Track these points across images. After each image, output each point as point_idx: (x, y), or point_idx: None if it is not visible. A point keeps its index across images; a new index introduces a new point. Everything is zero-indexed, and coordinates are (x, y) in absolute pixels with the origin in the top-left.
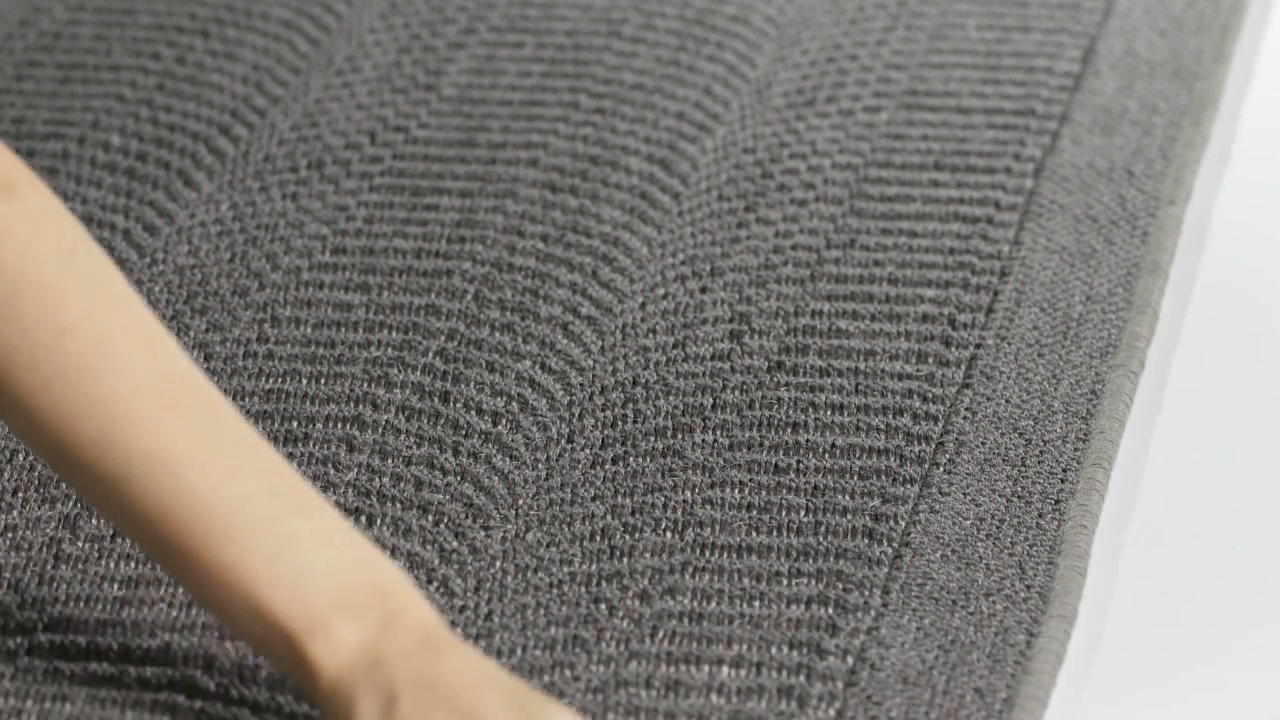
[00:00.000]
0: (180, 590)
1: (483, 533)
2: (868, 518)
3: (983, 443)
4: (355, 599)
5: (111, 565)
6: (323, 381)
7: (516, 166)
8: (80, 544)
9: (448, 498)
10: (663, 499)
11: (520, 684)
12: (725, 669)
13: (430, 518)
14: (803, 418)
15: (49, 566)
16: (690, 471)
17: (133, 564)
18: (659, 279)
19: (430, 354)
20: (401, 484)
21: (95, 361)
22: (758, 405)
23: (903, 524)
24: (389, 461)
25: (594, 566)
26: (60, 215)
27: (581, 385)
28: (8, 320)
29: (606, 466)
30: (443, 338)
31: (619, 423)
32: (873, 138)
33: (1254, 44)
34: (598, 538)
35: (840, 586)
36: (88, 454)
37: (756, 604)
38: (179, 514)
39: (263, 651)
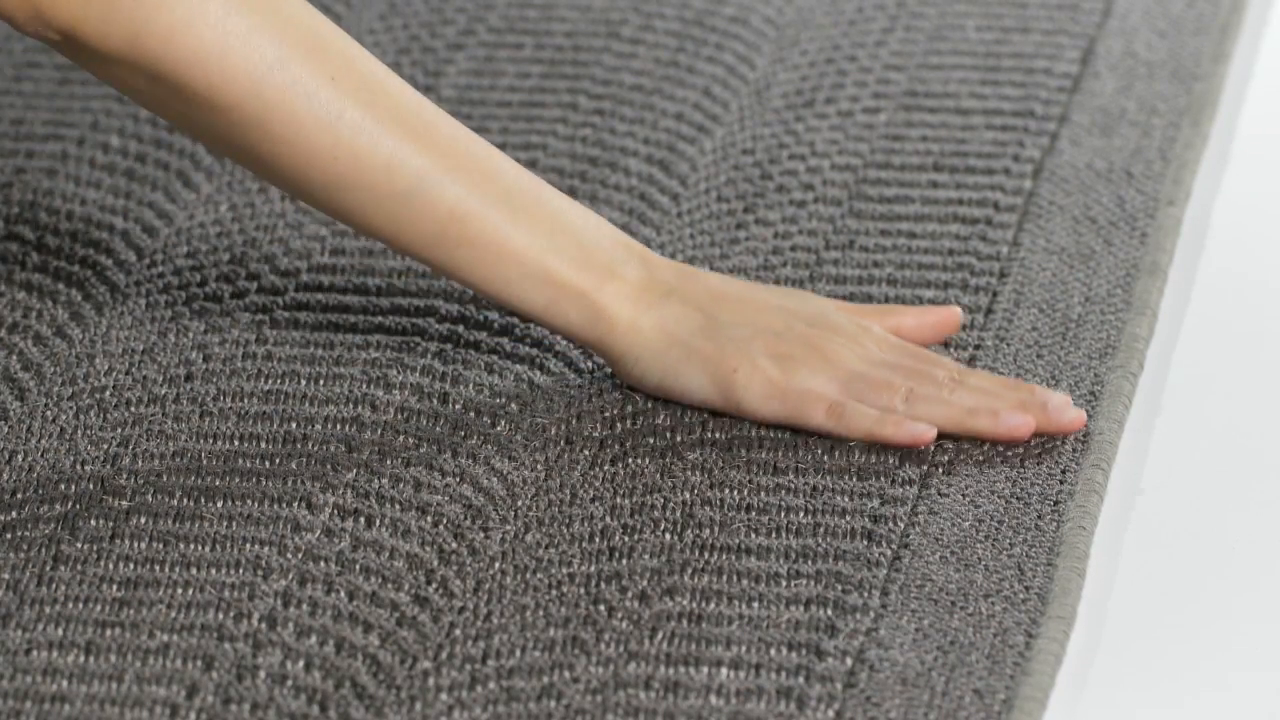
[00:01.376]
0: (180, 590)
1: (482, 534)
2: (866, 519)
3: (982, 443)
4: (619, 253)
5: (111, 566)
6: (322, 382)
7: None
8: (80, 544)
9: (446, 499)
10: (662, 500)
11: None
12: (724, 670)
13: (429, 519)
14: None
15: (48, 567)
16: (689, 472)
17: (132, 564)
18: None
19: (430, 354)
20: (400, 485)
21: (368, 116)
22: None
23: (901, 525)
24: (388, 462)
25: (593, 567)
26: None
27: (581, 386)
28: (305, 53)
29: (605, 467)
30: (441, 340)
31: (618, 423)
32: (872, 139)
33: (1253, 45)
34: (597, 539)
35: (839, 588)
36: (380, 177)
37: (755, 605)
38: (468, 212)
39: (556, 318)
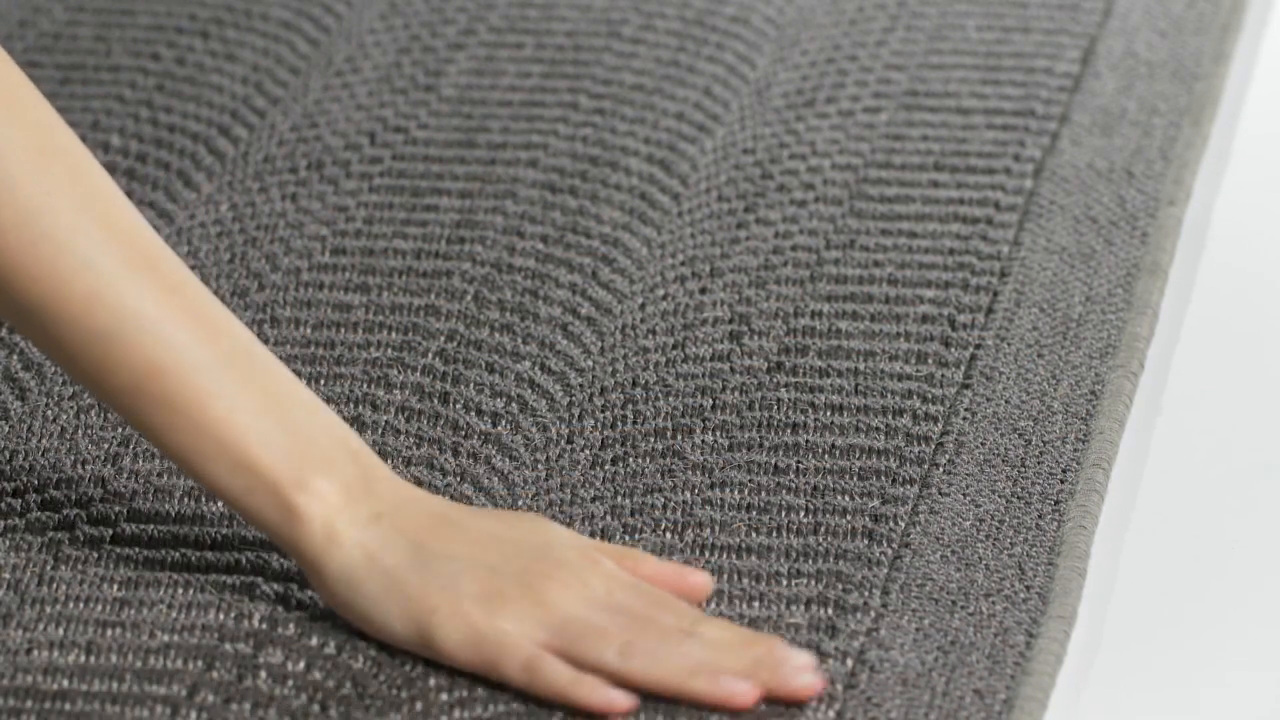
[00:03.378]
0: (180, 591)
1: None
2: (867, 518)
3: (982, 443)
4: (336, 455)
5: (111, 566)
6: (322, 382)
7: (516, 167)
8: (80, 545)
9: (447, 498)
10: (662, 500)
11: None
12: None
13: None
14: (802, 418)
15: (49, 567)
16: (690, 472)
17: (132, 565)
18: (658, 280)
19: (430, 355)
20: None
21: (81, 225)
22: (757, 406)
23: (902, 525)
24: (389, 462)
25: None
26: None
27: (581, 386)
28: None
29: (606, 467)
30: (442, 338)
31: (618, 423)
32: (872, 138)
33: (1253, 44)
34: (597, 538)
35: (840, 587)
36: (77, 310)
37: (756, 605)
38: (168, 370)
39: (251, 510)
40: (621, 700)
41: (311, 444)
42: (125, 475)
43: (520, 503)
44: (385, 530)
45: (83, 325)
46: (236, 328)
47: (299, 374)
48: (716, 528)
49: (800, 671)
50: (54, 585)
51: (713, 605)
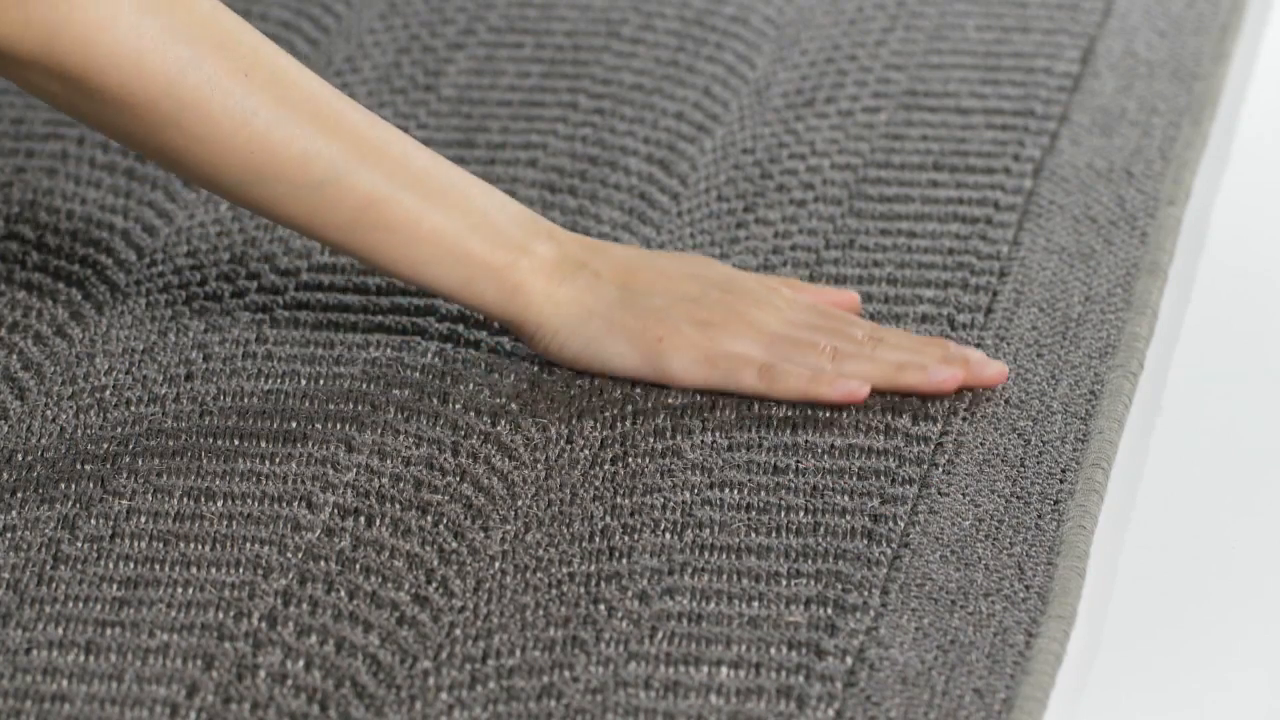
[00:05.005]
0: (180, 590)
1: (482, 533)
2: (867, 518)
3: (981, 443)
4: (529, 229)
5: (111, 565)
6: (322, 381)
7: (515, 167)
8: (79, 544)
9: (447, 498)
10: (662, 500)
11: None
12: (724, 670)
13: (429, 518)
14: (801, 418)
15: (48, 567)
16: (689, 472)
17: (132, 564)
18: None
19: (429, 354)
20: (400, 484)
21: (286, 87)
22: (757, 405)
23: (902, 524)
24: (388, 462)
25: (593, 567)
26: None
27: (581, 386)
28: (211, 61)
29: (605, 467)
30: (441, 339)
31: (618, 423)
32: (872, 138)
33: (1253, 44)
34: (597, 538)
35: (839, 587)
36: (296, 167)
37: (755, 605)
38: (380, 199)
39: (473, 297)
40: (860, 387)
41: (510, 228)
42: (125, 475)
43: (520, 502)
44: (589, 280)
45: (299, 181)
46: (415, 148)
47: (298, 374)
48: (716, 528)
49: (985, 363)
50: (53, 585)
51: (713, 605)
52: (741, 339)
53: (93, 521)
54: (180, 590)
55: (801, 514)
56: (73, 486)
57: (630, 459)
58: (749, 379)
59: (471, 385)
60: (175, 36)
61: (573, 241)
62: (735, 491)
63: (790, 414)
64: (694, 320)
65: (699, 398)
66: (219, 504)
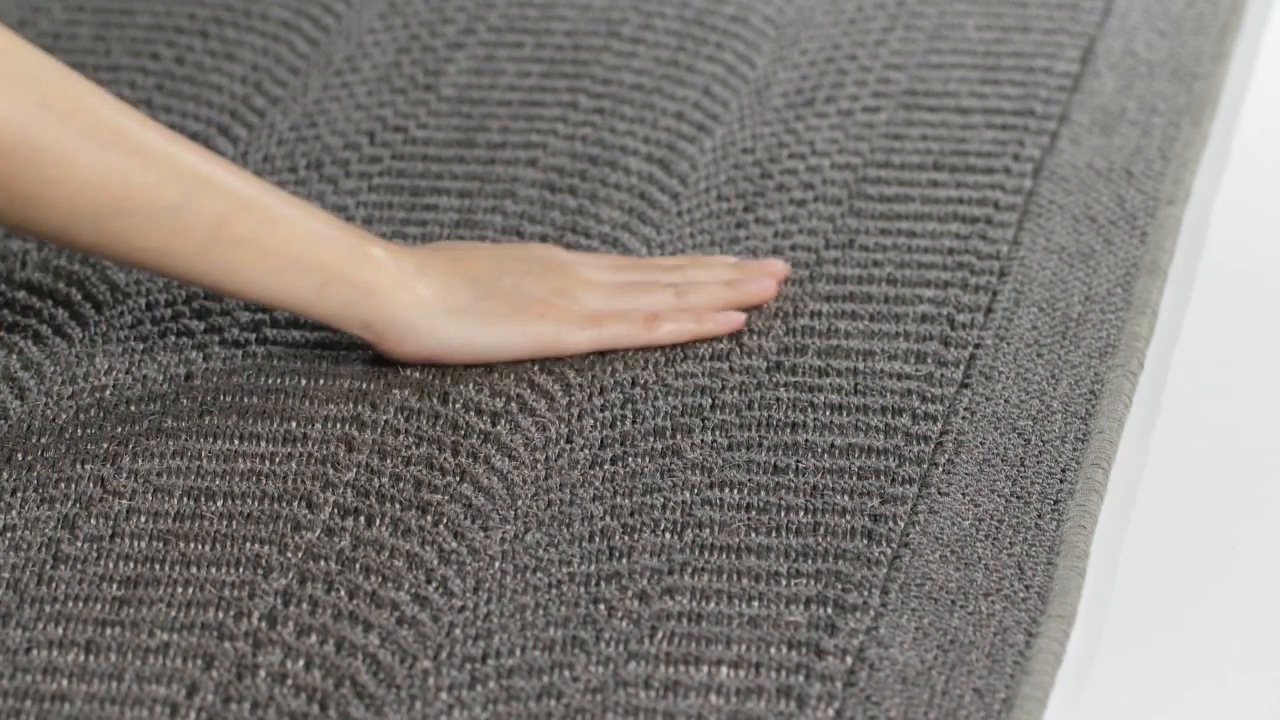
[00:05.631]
0: (180, 589)
1: (482, 533)
2: (866, 518)
3: (981, 443)
4: (363, 236)
5: (111, 565)
6: (322, 381)
7: (515, 166)
8: (79, 544)
9: (447, 498)
10: (661, 499)
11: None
12: (724, 669)
13: (429, 518)
14: (801, 418)
15: (48, 566)
16: (689, 472)
17: (132, 564)
18: None
19: None
20: (400, 484)
21: (128, 121)
22: (756, 405)
23: (901, 524)
24: (388, 461)
25: (593, 567)
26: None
27: (580, 385)
28: (46, 115)
29: (605, 467)
30: None
31: (618, 423)
32: (871, 138)
33: (1253, 44)
34: (596, 538)
35: (839, 587)
36: (155, 193)
37: (755, 604)
38: (233, 215)
39: (326, 300)
40: (739, 316)
41: (346, 231)
42: (125, 475)
43: (520, 502)
44: (438, 278)
45: (158, 205)
46: (247, 172)
47: (298, 373)
48: (716, 527)
49: (767, 264)
50: (53, 584)
51: (713, 604)
52: (600, 296)
53: (93, 521)
54: (180, 590)
55: (801, 514)
56: (73, 486)
57: (630, 459)
58: (640, 333)
59: (471, 385)
60: (18, 85)
61: (396, 246)
62: (735, 491)
63: (790, 414)
64: (552, 289)
65: (699, 397)
66: (219, 503)
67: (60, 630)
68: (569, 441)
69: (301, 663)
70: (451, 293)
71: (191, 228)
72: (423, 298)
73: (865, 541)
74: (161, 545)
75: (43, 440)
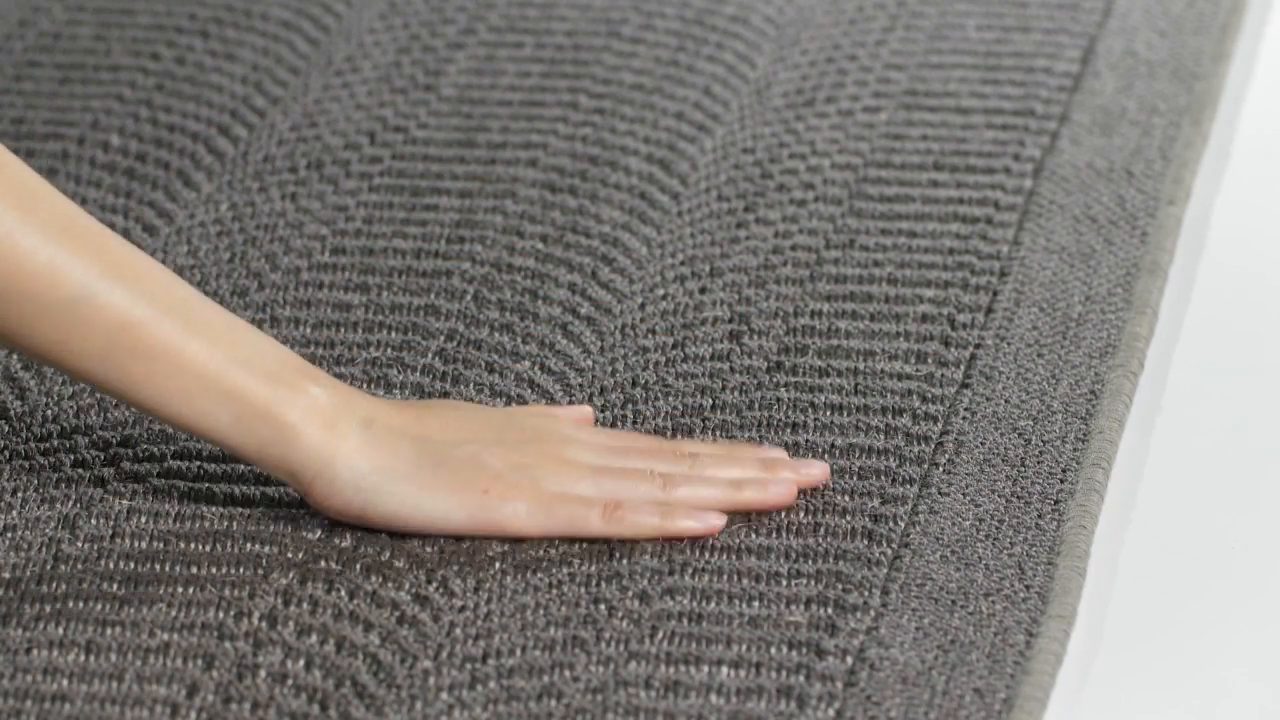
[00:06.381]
0: (180, 589)
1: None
2: (867, 518)
3: (982, 443)
4: (299, 371)
5: (111, 565)
6: None
7: (516, 167)
8: (80, 544)
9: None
10: None
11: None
12: (724, 669)
13: None
14: (802, 418)
15: (49, 566)
16: None
17: (133, 564)
18: (658, 279)
19: (430, 354)
20: None
21: (33, 200)
22: (757, 406)
23: (902, 524)
24: None
25: (593, 567)
26: None
27: (581, 386)
28: None
29: None
30: (442, 338)
31: (619, 423)
32: (872, 138)
33: (1253, 44)
34: (597, 538)
35: (839, 587)
36: (43, 281)
37: (756, 604)
38: (138, 321)
39: (240, 435)
40: (717, 518)
41: (284, 364)
42: (125, 475)
43: None
44: (381, 434)
45: (48, 298)
46: (177, 281)
47: None
48: None
49: (812, 464)
50: (54, 584)
51: (713, 604)
52: (567, 478)
53: (93, 521)
54: (181, 589)
55: (801, 514)
56: (73, 486)
57: None
58: (595, 522)
59: (472, 385)
60: None
61: (344, 390)
62: None
63: (790, 414)
64: (512, 465)
65: (700, 397)
66: (219, 503)
67: (61, 630)
68: None
69: (302, 662)
70: (390, 453)
71: (89, 325)
72: (350, 454)
73: (866, 542)
74: (162, 545)
75: (43, 440)
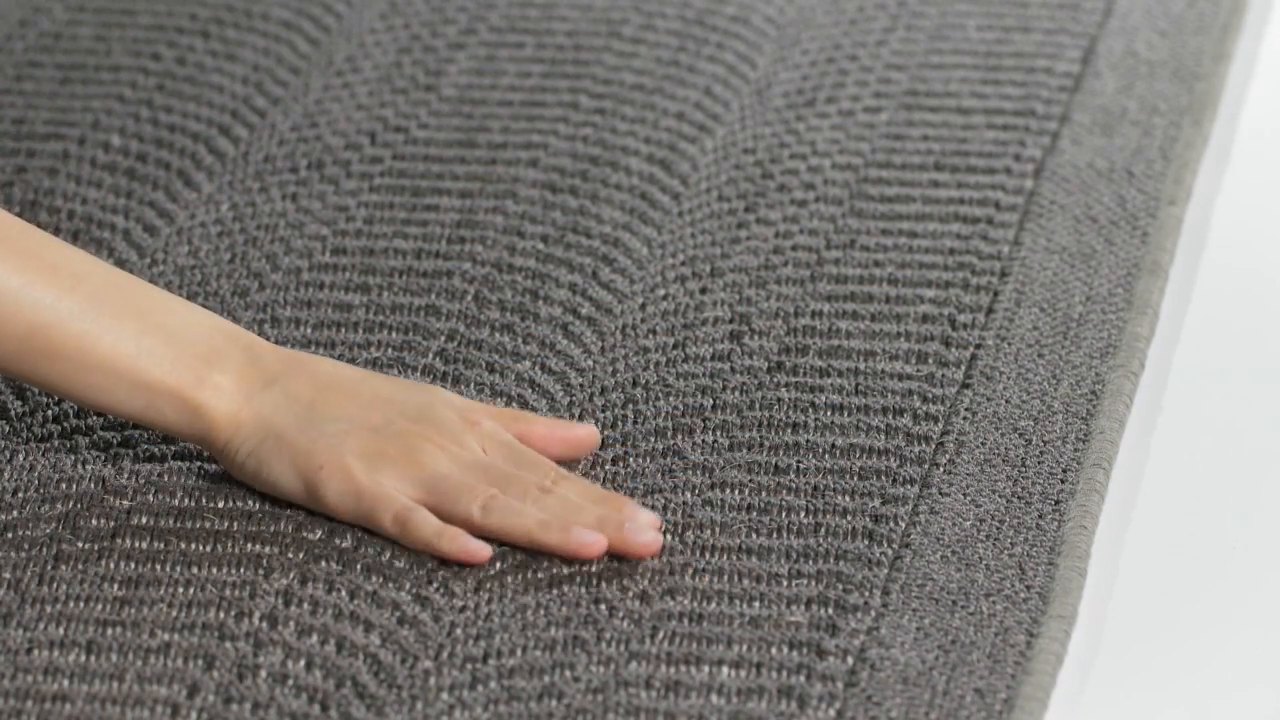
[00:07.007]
0: (181, 589)
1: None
2: (867, 518)
3: (983, 443)
4: (220, 346)
5: (111, 565)
6: None
7: (516, 167)
8: (80, 544)
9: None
10: (662, 500)
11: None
12: (725, 670)
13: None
14: (802, 418)
15: (49, 566)
16: (690, 472)
17: (133, 564)
18: (659, 280)
19: (430, 354)
20: None
21: None
22: (757, 406)
23: (903, 525)
24: None
25: (594, 567)
26: None
27: (581, 386)
28: None
29: (606, 467)
30: (443, 338)
31: (619, 423)
32: (873, 138)
33: (1254, 44)
34: None
35: (840, 587)
36: None
37: (756, 605)
38: (45, 326)
39: (155, 420)
40: (480, 550)
41: (195, 345)
42: (125, 475)
43: None
44: (277, 395)
45: None
46: (95, 268)
47: None
48: (717, 528)
49: (644, 529)
50: (54, 584)
51: (714, 605)
52: (401, 477)
53: (94, 520)
54: (181, 590)
55: (802, 514)
56: (74, 485)
57: (631, 459)
58: (386, 521)
59: (472, 385)
60: None
61: (272, 354)
62: (736, 492)
63: (791, 414)
64: (362, 451)
65: (700, 398)
66: (220, 502)
67: (61, 630)
68: None
69: (302, 663)
70: (275, 415)
71: (1, 332)
72: (244, 419)
73: (866, 542)
74: (162, 544)
75: (43, 440)
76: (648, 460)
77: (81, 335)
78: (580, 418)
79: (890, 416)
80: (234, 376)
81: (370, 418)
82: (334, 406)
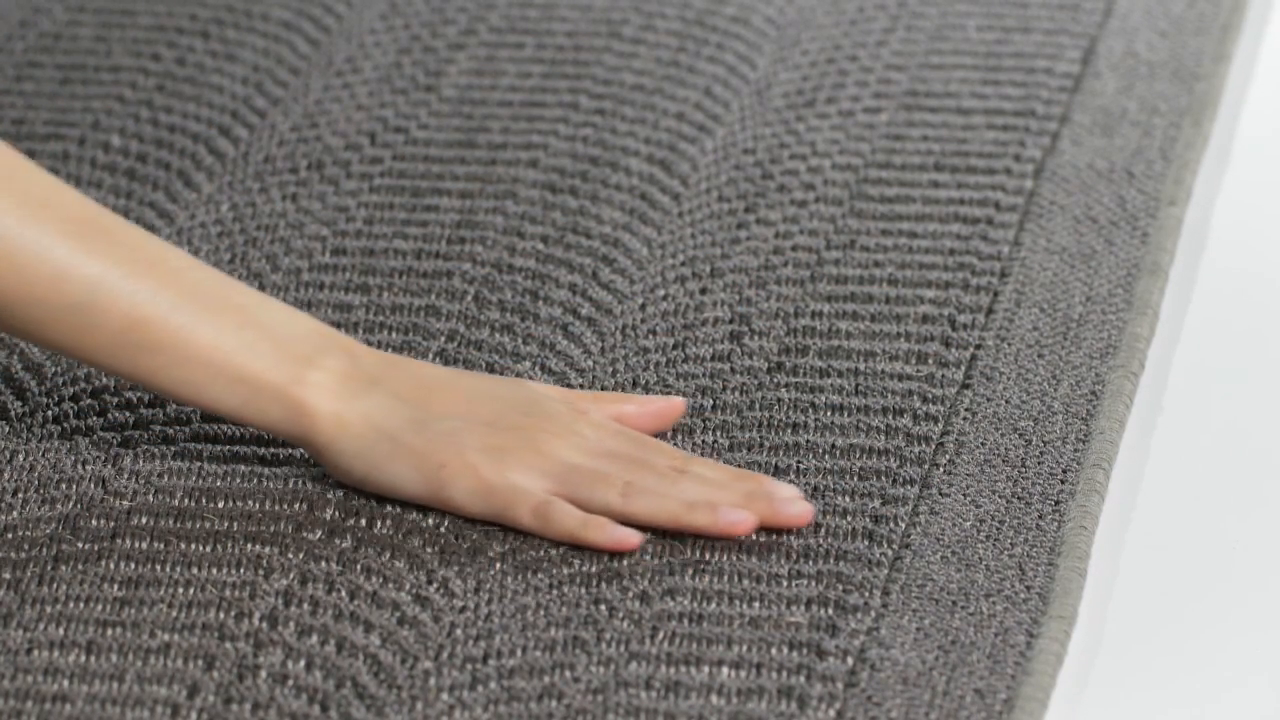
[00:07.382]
0: (181, 589)
1: (483, 533)
2: (867, 519)
3: (982, 444)
4: (318, 343)
5: (111, 565)
6: None
7: (516, 167)
8: (80, 544)
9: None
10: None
11: (481, 375)
12: (725, 670)
13: (431, 517)
14: (802, 418)
15: (49, 566)
16: None
17: (133, 564)
18: (659, 280)
19: (431, 354)
20: None
21: (38, 205)
22: (757, 406)
23: (902, 525)
24: None
25: (594, 567)
26: None
27: (581, 386)
28: None
29: None
30: (443, 338)
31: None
32: (873, 139)
33: (1254, 45)
34: None
35: (840, 588)
36: (45, 291)
37: (756, 605)
38: (144, 320)
39: (254, 417)
40: (630, 537)
41: (294, 341)
42: (125, 475)
43: None
44: (383, 397)
45: (54, 303)
46: (192, 263)
47: None
48: None
49: (790, 502)
50: (54, 585)
51: (714, 605)
52: (529, 470)
53: (94, 521)
54: (181, 590)
55: None
56: (74, 486)
57: None
58: (524, 516)
59: None
60: None
61: (369, 356)
62: None
63: (790, 414)
64: (484, 447)
65: (700, 398)
66: (220, 503)
67: (61, 631)
68: None
69: (302, 663)
70: (387, 418)
71: (97, 327)
72: (349, 420)
73: (866, 542)
74: (162, 545)
75: (43, 440)
76: None
77: (180, 328)
78: None
79: (890, 417)
80: (336, 376)
81: (480, 413)
82: (443, 405)
